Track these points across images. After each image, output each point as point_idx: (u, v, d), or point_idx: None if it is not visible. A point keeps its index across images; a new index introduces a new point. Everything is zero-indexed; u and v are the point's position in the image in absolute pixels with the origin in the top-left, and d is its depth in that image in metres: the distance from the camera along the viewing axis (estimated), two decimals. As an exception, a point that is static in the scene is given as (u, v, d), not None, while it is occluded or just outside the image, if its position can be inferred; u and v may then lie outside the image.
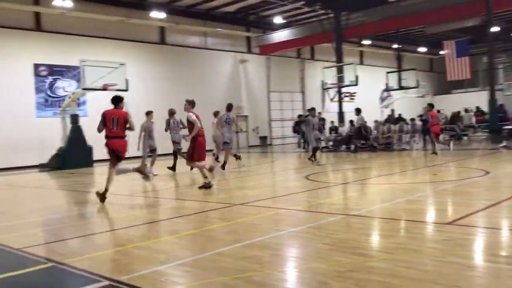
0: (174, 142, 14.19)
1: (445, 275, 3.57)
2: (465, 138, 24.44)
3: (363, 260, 4.08)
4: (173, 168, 13.98)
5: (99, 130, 8.45)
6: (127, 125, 8.33)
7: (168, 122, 14.35)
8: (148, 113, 13.58)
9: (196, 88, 26.42)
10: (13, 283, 4.14)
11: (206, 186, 9.38)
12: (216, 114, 15.67)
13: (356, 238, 4.88)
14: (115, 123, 8.22)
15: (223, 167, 13.53)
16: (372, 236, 5.21)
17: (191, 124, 9.71)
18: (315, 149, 14.19)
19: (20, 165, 19.29)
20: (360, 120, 18.99)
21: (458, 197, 7.38)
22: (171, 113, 14.59)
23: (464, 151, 17.35)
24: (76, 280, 4.04)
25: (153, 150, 13.30)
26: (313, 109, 14.54)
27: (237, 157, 14.48)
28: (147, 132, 13.15)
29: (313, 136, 14.08)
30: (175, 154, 14.33)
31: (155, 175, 11.78)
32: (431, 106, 16.31)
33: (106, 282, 3.82)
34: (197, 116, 9.75)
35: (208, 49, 27.67)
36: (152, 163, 13.06)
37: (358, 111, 19.09)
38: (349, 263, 3.99)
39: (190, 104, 9.93)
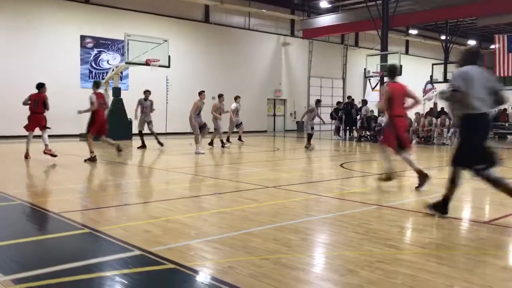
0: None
1: (477, 274, 3.47)
2: (510, 137, 23.58)
3: (394, 252, 4.02)
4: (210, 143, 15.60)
5: (24, 104, 11.76)
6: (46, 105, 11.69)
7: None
8: (201, 93, 14.19)
9: (236, 69, 26.46)
10: (51, 245, 4.31)
11: None
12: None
13: (389, 229, 4.81)
14: (36, 102, 11.63)
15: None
16: (405, 229, 5.12)
17: None
18: (310, 136, 15.33)
19: (63, 133, 19.91)
20: (365, 111, 18.84)
21: (498, 196, 7.12)
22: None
23: (508, 150, 16.74)
24: (110, 247, 4.16)
25: (201, 127, 13.78)
26: (319, 101, 16.03)
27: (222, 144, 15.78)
28: (198, 110, 13.76)
29: (310, 125, 15.37)
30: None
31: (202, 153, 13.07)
32: None
33: (138, 252, 3.92)
34: None
35: (251, 30, 27.56)
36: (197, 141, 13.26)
37: (364, 102, 19.19)
38: (379, 254, 3.94)
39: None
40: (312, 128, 15.52)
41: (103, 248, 4.20)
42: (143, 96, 15.06)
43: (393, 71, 7.95)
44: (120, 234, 4.47)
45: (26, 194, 7.01)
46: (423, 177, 7.48)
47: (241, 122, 17.48)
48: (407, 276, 3.40)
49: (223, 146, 15.46)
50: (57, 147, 15.22)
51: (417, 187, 7.36)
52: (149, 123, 14.92)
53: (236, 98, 17.14)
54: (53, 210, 5.45)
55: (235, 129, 17.31)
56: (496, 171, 5.14)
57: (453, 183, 5.36)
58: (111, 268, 3.58)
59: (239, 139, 17.47)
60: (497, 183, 5.10)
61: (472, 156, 5.17)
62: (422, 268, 3.57)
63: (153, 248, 3.99)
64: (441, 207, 5.42)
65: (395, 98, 7.53)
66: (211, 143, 15.67)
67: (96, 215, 5.49)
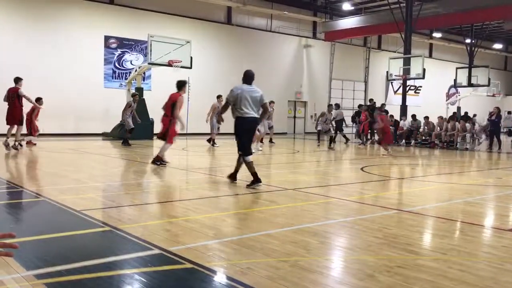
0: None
1: (501, 282, 3.40)
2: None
3: (414, 258, 3.97)
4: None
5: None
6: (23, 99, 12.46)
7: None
8: (219, 97, 15.63)
9: (258, 71, 26.27)
10: (72, 242, 4.38)
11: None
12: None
13: (409, 235, 4.75)
14: (9, 97, 12.48)
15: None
16: (426, 234, 5.05)
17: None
18: (331, 138, 17.39)
19: (85, 132, 20.24)
20: (336, 114, 19.21)
21: (523, 204, 7.00)
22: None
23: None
24: (130, 246, 4.21)
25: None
26: (330, 105, 18.06)
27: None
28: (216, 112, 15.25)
29: (324, 128, 17.47)
30: None
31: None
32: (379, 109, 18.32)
33: (157, 251, 3.95)
34: None
35: (273, 31, 27.58)
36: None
37: (337, 106, 19.65)
38: (399, 259, 3.89)
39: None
40: (329, 130, 17.29)
41: (123, 246, 4.24)
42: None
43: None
44: (140, 232, 4.52)
45: (50, 191, 7.14)
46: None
47: (272, 126, 18.57)
48: (427, 282, 3.35)
49: (212, 145, 16.18)
50: (81, 145, 15.48)
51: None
52: None
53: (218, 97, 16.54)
54: (76, 208, 5.54)
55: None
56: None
57: (240, 161, 7.86)
58: (130, 266, 3.62)
59: (271, 140, 18.68)
60: (249, 165, 7.63)
61: (247, 145, 7.74)
62: (442, 275, 3.51)
63: (172, 247, 4.02)
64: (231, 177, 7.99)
65: None
66: (209, 140, 16.72)
67: (117, 213, 5.55)
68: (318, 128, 17.78)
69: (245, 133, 7.69)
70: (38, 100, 14.30)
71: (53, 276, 3.31)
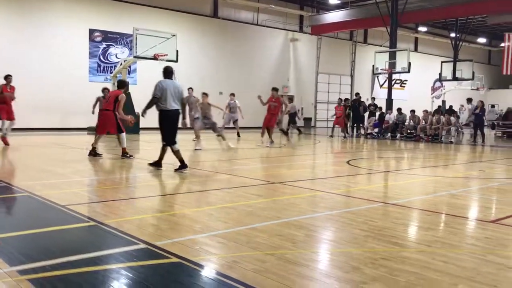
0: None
1: (483, 273, 3.46)
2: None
3: (398, 250, 4.01)
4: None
5: None
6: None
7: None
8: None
9: (244, 64, 26.45)
10: (57, 237, 4.34)
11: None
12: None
13: (394, 227, 4.80)
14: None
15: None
16: (411, 227, 5.10)
17: None
18: (283, 131, 17.00)
19: (71, 126, 20.03)
20: (291, 108, 19.61)
21: (505, 196, 7.11)
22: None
23: (516, 149, 16.62)
24: (115, 240, 4.18)
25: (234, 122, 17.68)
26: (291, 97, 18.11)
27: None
28: (230, 108, 17.21)
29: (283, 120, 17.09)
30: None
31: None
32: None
33: (143, 246, 3.94)
34: None
35: (259, 25, 27.52)
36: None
37: (290, 99, 20.01)
38: (384, 252, 3.93)
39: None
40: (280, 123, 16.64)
41: (109, 241, 4.22)
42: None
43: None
44: (126, 227, 4.49)
45: (34, 186, 7.05)
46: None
47: (237, 119, 18.14)
48: (411, 274, 3.39)
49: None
50: (66, 140, 15.32)
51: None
52: None
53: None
54: (60, 203, 5.49)
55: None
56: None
57: (164, 150, 8.55)
58: (116, 261, 3.61)
59: (238, 134, 18.22)
60: (176, 153, 8.39)
61: (171, 136, 8.33)
62: (427, 267, 3.56)
63: (158, 242, 4.01)
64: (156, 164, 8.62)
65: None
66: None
67: (103, 208, 5.52)
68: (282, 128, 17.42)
69: (169, 125, 8.34)
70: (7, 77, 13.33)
71: (37, 272, 3.28)
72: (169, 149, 8.54)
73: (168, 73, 8.57)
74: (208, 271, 3.45)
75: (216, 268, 3.49)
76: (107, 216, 5.00)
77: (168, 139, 8.39)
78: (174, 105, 8.27)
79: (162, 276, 3.35)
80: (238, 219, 5.03)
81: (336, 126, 20.67)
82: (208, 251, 3.89)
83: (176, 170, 8.41)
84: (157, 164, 8.68)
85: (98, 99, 15.69)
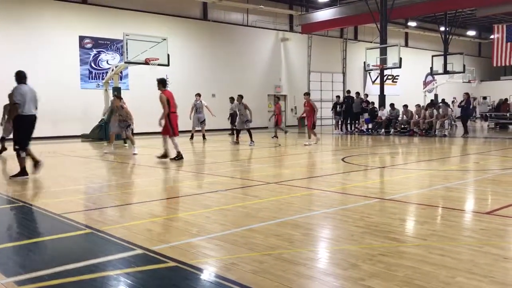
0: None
1: (480, 265, 3.47)
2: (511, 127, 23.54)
3: (396, 245, 4.02)
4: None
5: None
6: None
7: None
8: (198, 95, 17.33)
9: (236, 65, 26.44)
10: (54, 246, 4.32)
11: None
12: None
13: (390, 222, 4.81)
14: None
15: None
16: (407, 221, 5.12)
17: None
18: (238, 131, 16.38)
19: (64, 134, 19.95)
20: (231, 109, 19.61)
21: (499, 187, 7.14)
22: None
23: (510, 140, 16.71)
24: (112, 247, 4.17)
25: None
26: (241, 96, 16.15)
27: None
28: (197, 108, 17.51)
29: (240, 119, 15.94)
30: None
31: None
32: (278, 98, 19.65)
33: (140, 251, 3.93)
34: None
35: (249, 26, 27.53)
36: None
37: (231, 99, 19.61)
38: (381, 247, 3.94)
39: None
40: (246, 122, 15.79)
41: (106, 247, 4.21)
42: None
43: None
44: (122, 233, 4.48)
45: (28, 196, 7.02)
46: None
47: (204, 120, 18.02)
48: (409, 268, 3.40)
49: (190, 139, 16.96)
50: (60, 148, 15.25)
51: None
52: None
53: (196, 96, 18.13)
54: (55, 211, 5.47)
55: (197, 127, 18.11)
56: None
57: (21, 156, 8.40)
58: (113, 268, 3.59)
59: (204, 137, 17.89)
60: (29, 154, 8.45)
61: (25, 140, 8.36)
62: (424, 260, 3.57)
63: (155, 247, 4.00)
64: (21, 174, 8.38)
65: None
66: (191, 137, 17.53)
67: (99, 215, 5.50)
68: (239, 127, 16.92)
69: (26, 130, 8.37)
70: None
71: (34, 282, 3.26)
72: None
73: (22, 77, 8.54)
74: (207, 274, 3.45)
75: (214, 271, 3.49)
76: (103, 223, 4.99)
77: (22, 144, 8.33)
78: (32, 110, 8.35)
79: (160, 280, 3.34)
80: (234, 220, 5.03)
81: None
82: (205, 254, 3.88)
83: (12, 176, 8.37)
84: (22, 174, 8.39)
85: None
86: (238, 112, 16.35)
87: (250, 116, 15.62)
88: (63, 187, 7.57)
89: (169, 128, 10.74)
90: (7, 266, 3.59)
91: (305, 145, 14.94)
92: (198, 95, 18.13)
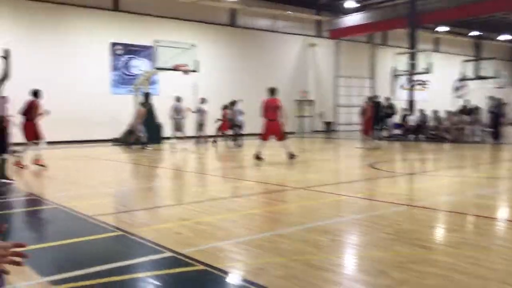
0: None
1: (514, 274, 3.39)
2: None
3: (425, 253, 3.96)
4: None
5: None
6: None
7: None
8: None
9: (263, 71, 26.51)
10: (85, 248, 4.42)
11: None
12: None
13: (420, 229, 4.74)
14: (25, 109, 10.56)
15: None
16: (437, 228, 5.03)
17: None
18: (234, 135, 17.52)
19: (95, 138, 20.36)
20: (231, 115, 18.48)
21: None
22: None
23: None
24: (142, 249, 4.24)
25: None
26: (234, 102, 17.77)
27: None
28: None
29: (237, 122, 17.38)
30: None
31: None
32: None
33: (169, 254, 3.98)
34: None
35: (277, 32, 27.58)
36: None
37: (232, 103, 18.59)
38: (410, 255, 3.89)
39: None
40: (239, 126, 17.29)
41: (136, 250, 4.28)
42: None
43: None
44: (152, 236, 4.55)
45: (61, 198, 7.21)
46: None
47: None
48: (439, 276, 3.35)
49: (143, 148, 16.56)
50: (91, 152, 15.59)
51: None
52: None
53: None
54: (87, 213, 5.59)
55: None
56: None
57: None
58: (143, 270, 3.66)
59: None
60: None
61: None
62: (455, 269, 3.51)
63: (184, 250, 4.05)
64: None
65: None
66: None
67: (129, 217, 5.60)
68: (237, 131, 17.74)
69: None
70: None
71: (67, 282, 3.35)
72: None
73: None
74: (234, 278, 3.47)
75: (242, 275, 3.51)
76: (133, 225, 5.08)
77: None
78: None
79: (189, 283, 3.38)
80: (261, 225, 5.04)
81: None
82: (233, 258, 3.91)
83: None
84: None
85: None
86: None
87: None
88: (95, 190, 7.73)
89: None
90: (42, 266, 3.69)
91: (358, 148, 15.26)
92: (203, 99, 18.02)
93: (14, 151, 11.02)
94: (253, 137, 22.81)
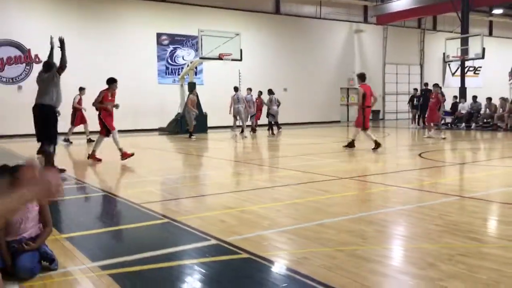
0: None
1: None
2: None
3: (477, 245, 3.81)
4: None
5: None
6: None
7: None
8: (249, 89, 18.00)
9: (308, 59, 26.23)
10: (134, 235, 4.54)
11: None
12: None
13: (471, 221, 4.56)
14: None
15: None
16: (490, 221, 4.83)
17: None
18: (269, 124, 17.81)
19: (142, 127, 20.87)
20: (269, 101, 18.08)
21: None
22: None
23: None
24: (188, 237, 4.31)
25: None
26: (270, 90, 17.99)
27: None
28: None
29: (271, 112, 17.77)
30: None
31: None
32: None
33: (214, 241, 4.02)
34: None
35: (322, 18, 27.17)
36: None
37: (270, 92, 18.10)
38: (461, 247, 3.75)
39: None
40: (273, 115, 17.77)
41: (182, 237, 4.35)
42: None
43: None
44: (197, 223, 4.61)
45: (111, 186, 7.44)
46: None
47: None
48: (493, 271, 3.21)
49: (190, 137, 16.35)
50: (138, 141, 15.99)
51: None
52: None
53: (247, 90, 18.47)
54: (135, 201, 5.74)
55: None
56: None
57: None
58: (189, 257, 3.71)
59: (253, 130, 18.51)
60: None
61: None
62: (509, 263, 3.35)
63: (228, 238, 4.08)
64: None
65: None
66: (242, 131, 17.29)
67: (175, 205, 5.70)
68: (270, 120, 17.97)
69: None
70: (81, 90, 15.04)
71: (116, 267, 3.45)
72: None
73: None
74: (279, 267, 3.47)
75: (286, 264, 3.50)
76: (179, 213, 5.16)
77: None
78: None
79: (234, 271, 3.40)
80: (306, 215, 5.00)
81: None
82: (277, 247, 3.90)
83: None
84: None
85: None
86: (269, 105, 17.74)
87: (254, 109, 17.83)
88: (143, 178, 7.92)
89: (361, 121, 11.39)
90: (92, 252, 3.82)
91: (426, 137, 14.67)
92: (249, 89, 18.33)
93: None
94: (292, 126, 22.68)
